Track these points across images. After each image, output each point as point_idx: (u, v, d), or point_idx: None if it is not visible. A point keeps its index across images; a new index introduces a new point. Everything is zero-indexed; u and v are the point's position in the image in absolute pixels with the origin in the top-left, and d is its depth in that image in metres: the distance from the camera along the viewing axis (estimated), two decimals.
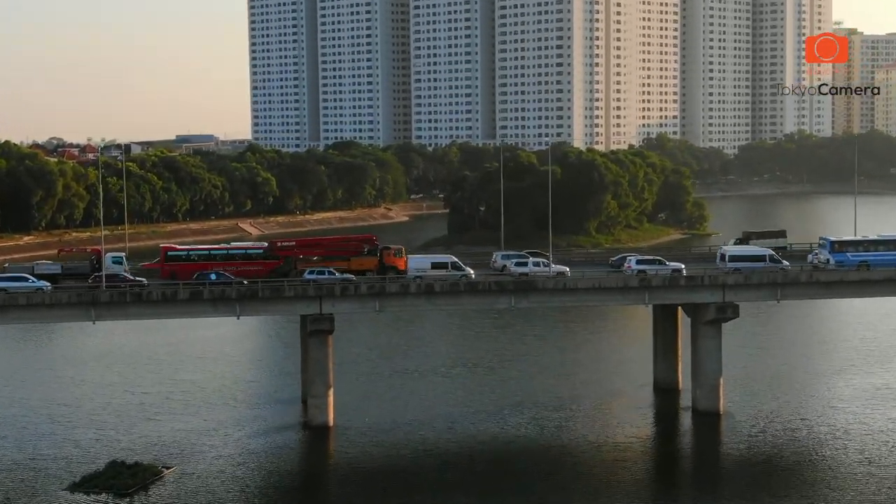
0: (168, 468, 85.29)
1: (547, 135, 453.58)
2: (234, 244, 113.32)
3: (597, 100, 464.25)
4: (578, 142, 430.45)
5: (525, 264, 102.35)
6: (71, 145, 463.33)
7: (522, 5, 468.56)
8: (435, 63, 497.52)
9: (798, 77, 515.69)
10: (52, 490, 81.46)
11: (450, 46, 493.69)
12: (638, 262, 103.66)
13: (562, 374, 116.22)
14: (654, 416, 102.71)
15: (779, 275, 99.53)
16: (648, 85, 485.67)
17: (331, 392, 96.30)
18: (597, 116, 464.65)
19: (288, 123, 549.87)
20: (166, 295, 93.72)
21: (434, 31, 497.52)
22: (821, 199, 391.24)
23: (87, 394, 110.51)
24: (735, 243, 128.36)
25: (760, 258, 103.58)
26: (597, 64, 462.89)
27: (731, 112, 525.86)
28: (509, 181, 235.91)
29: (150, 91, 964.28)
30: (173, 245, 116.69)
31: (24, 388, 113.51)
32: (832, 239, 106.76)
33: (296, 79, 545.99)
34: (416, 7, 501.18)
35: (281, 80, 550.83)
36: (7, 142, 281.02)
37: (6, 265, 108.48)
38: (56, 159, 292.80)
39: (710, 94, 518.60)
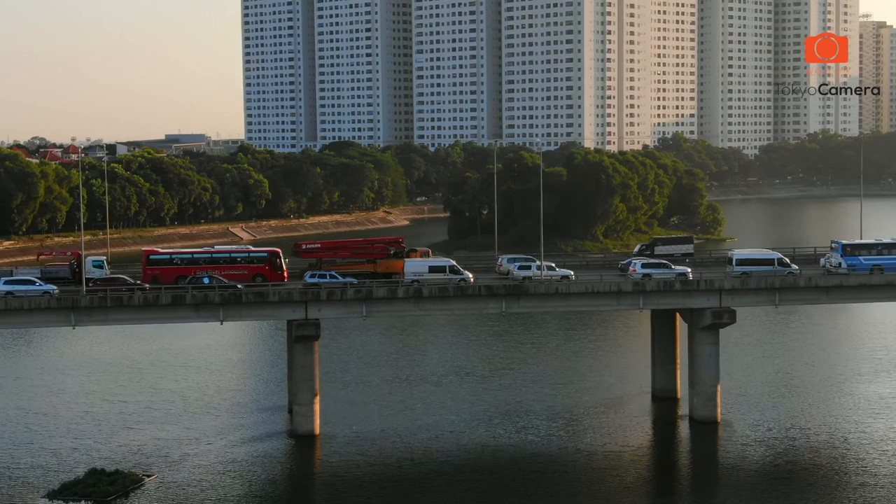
0: (149, 476, 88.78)
1: (556, 134, 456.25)
2: (218, 247, 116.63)
3: (609, 97, 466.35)
4: (589, 142, 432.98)
5: (529, 268, 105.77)
6: (54, 145, 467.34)
7: None
8: (438, 58, 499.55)
9: (824, 74, 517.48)
10: (30, 498, 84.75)
11: (454, 41, 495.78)
12: (643, 265, 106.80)
13: (557, 383, 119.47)
14: (650, 425, 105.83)
15: (776, 279, 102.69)
16: (664, 82, 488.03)
17: (317, 400, 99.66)
18: (609, 115, 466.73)
19: (283, 123, 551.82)
20: (148, 299, 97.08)
21: (437, 24, 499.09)
22: (846, 202, 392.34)
23: (65, 402, 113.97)
24: (638, 251, 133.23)
25: (769, 262, 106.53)
26: (609, 59, 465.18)
27: (751, 111, 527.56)
28: (514, 183, 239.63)
29: (138, 88, 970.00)
30: (155, 248, 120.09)
31: (0, 396, 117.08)
32: (844, 242, 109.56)
33: (291, 75, 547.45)
34: None
35: (276, 76, 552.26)
36: None
37: (14, 269, 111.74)
38: (38, 160, 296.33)
39: (730, 92, 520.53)
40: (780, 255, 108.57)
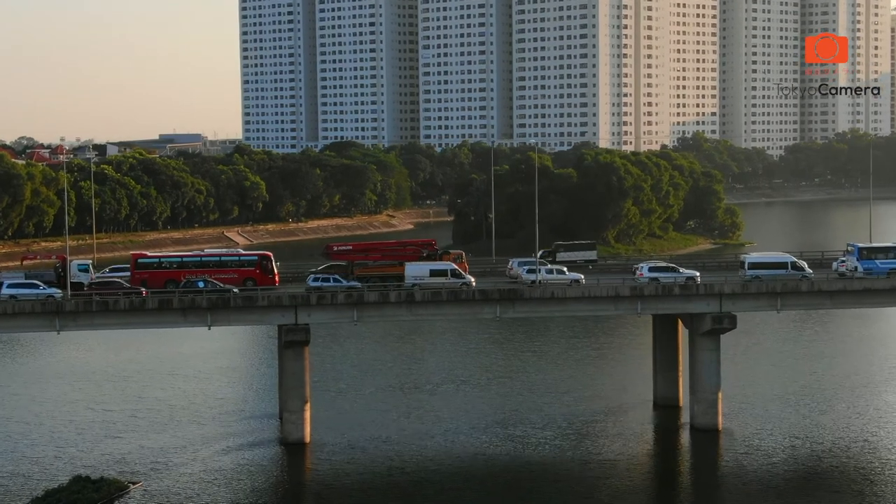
0: (134, 483, 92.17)
1: (570, 134, 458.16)
2: (208, 250, 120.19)
3: (625, 95, 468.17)
4: (605, 142, 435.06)
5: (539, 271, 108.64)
6: (42, 146, 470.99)
7: None
8: (446, 54, 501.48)
9: (853, 72, 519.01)
10: None
11: (462, 36, 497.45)
12: (650, 269, 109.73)
13: (557, 391, 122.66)
14: (650, 433, 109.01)
15: (778, 283, 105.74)
16: (684, 79, 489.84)
17: (307, 407, 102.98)
18: (625, 114, 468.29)
19: (283, 122, 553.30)
20: (134, 303, 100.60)
21: (445, 19, 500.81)
22: (878, 205, 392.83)
23: (48, 410, 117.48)
24: (542, 256, 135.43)
25: (782, 265, 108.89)
26: (625, 55, 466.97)
27: (776, 109, 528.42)
28: (522, 185, 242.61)
29: (132, 86, 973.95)
30: (143, 252, 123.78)
31: None
32: (860, 245, 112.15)
33: (291, 71, 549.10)
34: None
35: (275, 72, 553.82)
36: None
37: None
38: (24, 162, 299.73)
39: (754, 90, 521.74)
40: (794, 259, 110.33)
